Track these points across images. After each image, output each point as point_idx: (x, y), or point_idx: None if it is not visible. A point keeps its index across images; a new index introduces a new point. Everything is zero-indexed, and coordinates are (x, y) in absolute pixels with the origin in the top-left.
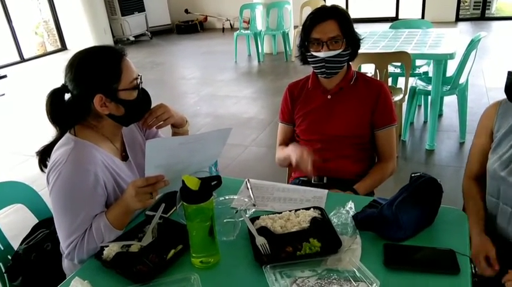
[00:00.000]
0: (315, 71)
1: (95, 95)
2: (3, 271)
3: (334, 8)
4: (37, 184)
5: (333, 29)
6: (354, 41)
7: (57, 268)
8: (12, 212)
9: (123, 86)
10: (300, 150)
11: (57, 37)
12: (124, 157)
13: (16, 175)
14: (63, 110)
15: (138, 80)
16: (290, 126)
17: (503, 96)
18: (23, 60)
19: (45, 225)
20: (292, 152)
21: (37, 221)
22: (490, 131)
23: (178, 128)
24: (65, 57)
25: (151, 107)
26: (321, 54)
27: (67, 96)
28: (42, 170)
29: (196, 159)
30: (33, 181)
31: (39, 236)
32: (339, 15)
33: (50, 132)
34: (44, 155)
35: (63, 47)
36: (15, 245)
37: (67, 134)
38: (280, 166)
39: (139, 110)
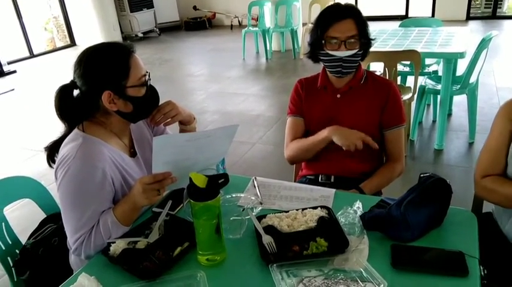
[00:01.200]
0: (329, 70)
1: (103, 91)
2: (11, 265)
3: (351, 7)
4: (45, 179)
5: (351, 28)
6: (367, 41)
7: (65, 263)
8: (20, 207)
9: (132, 82)
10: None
11: (66, 33)
12: (132, 153)
13: (24, 169)
14: (72, 106)
15: (147, 77)
16: (302, 119)
17: None
18: (32, 55)
19: (52, 220)
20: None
21: (45, 216)
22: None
23: (186, 125)
24: (74, 53)
25: (159, 104)
26: (339, 54)
27: (76, 92)
28: (50, 165)
29: (203, 156)
30: (41, 176)
31: (46, 231)
32: (357, 15)
33: (58, 128)
34: (52, 150)
35: (73, 43)
36: (23, 239)
37: (75, 130)
38: (294, 162)
39: (147, 107)
